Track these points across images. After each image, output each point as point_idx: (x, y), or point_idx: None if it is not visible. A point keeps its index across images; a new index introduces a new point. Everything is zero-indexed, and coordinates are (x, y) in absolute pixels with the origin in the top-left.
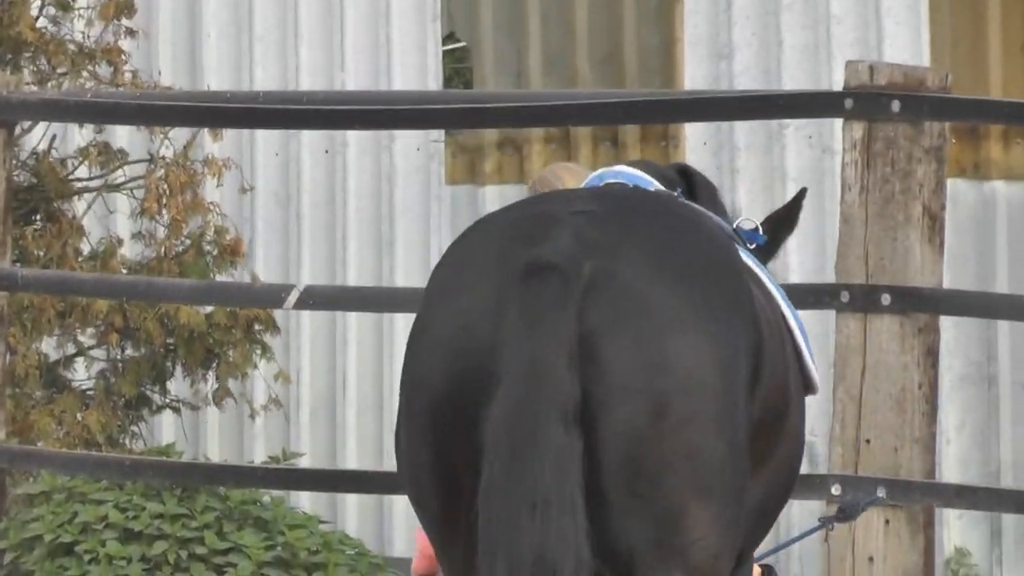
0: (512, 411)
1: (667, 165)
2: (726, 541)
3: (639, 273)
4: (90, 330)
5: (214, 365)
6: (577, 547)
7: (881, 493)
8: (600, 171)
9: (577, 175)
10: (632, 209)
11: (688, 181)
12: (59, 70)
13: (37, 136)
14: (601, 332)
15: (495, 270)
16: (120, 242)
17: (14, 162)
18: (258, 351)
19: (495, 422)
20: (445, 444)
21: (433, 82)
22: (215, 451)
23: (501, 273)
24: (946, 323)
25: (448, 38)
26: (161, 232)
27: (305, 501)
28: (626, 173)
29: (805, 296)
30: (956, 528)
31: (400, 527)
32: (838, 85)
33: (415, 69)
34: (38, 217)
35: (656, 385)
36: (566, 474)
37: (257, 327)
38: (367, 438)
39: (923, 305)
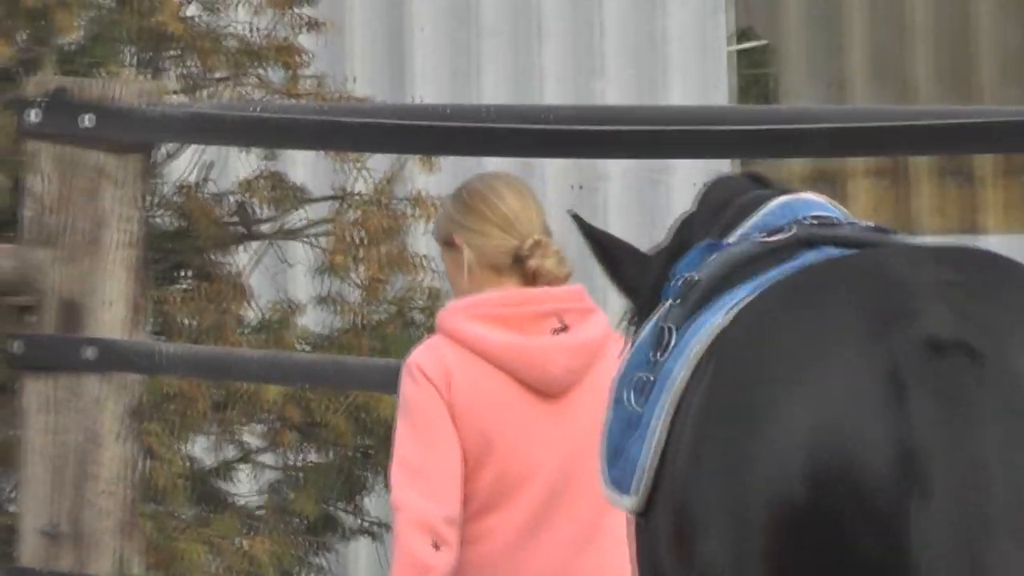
0: (960, 526)
1: (741, 174)
2: None
3: None
4: (257, 427)
5: None
6: None
7: None
8: (783, 200)
9: (519, 193)
10: (1002, 280)
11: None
12: (215, 74)
13: (185, 164)
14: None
15: (867, 345)
16: (298, 308)
17: (153, 199)
18: None
19: (935, 539)
20: (804, 558)
21: (721, 94)
22: None
23: (881, 350)
24: None
25: (743, 35)
26: (354, 295)
27: None
28: (819, 203)
29: None
30: None
31: None
32: None
33: (697, 77)
34: (186, 273)
35: None
36: None
37: None
38: None
39: None
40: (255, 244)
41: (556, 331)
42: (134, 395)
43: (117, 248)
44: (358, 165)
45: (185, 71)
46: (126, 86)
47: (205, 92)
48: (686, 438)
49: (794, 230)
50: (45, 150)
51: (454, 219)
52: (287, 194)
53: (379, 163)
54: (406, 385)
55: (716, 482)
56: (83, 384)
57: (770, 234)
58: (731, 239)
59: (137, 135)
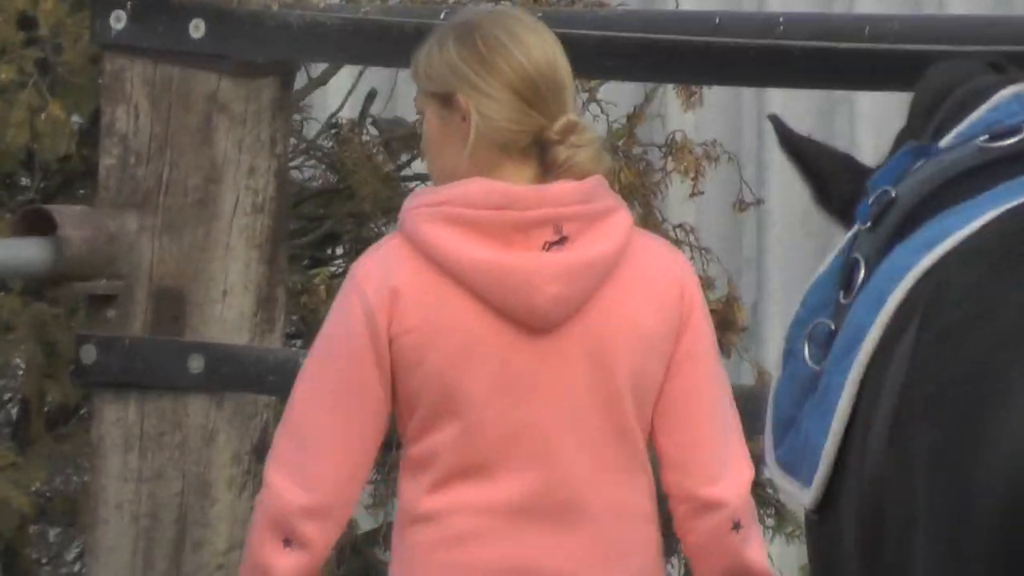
0: None
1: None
2: None
3: None
4: None
5: None
6: None
7: None
8: (1016, 90)
9: (553, 50)
10: None
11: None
12: None
13: (338, 94)
14: None
15: None
16: None
17: (294, 143)
18: None
19: None
20: None
21: None
22: None
23: None
24: None
25: None
26: None
27: None
28: None
29: None
30: None
31: None
32: None
33: None
34: (339, 250)
35: None
36: None
37: None
38: None
39: None
40: None
41: (549, 245)
42: (259, 426)
43: (238, 214)
44: (588, 98)
45: None
46: None
47: None
48: (881, 421)
49: None
50: (135, 71)
51: (460, 70)
52: None
53: (619, 95)
54: (335, 302)
55: (936, 480)
56: (186, 409)
57: (994, 137)
58: (944, 142)
59: (269, 51)
